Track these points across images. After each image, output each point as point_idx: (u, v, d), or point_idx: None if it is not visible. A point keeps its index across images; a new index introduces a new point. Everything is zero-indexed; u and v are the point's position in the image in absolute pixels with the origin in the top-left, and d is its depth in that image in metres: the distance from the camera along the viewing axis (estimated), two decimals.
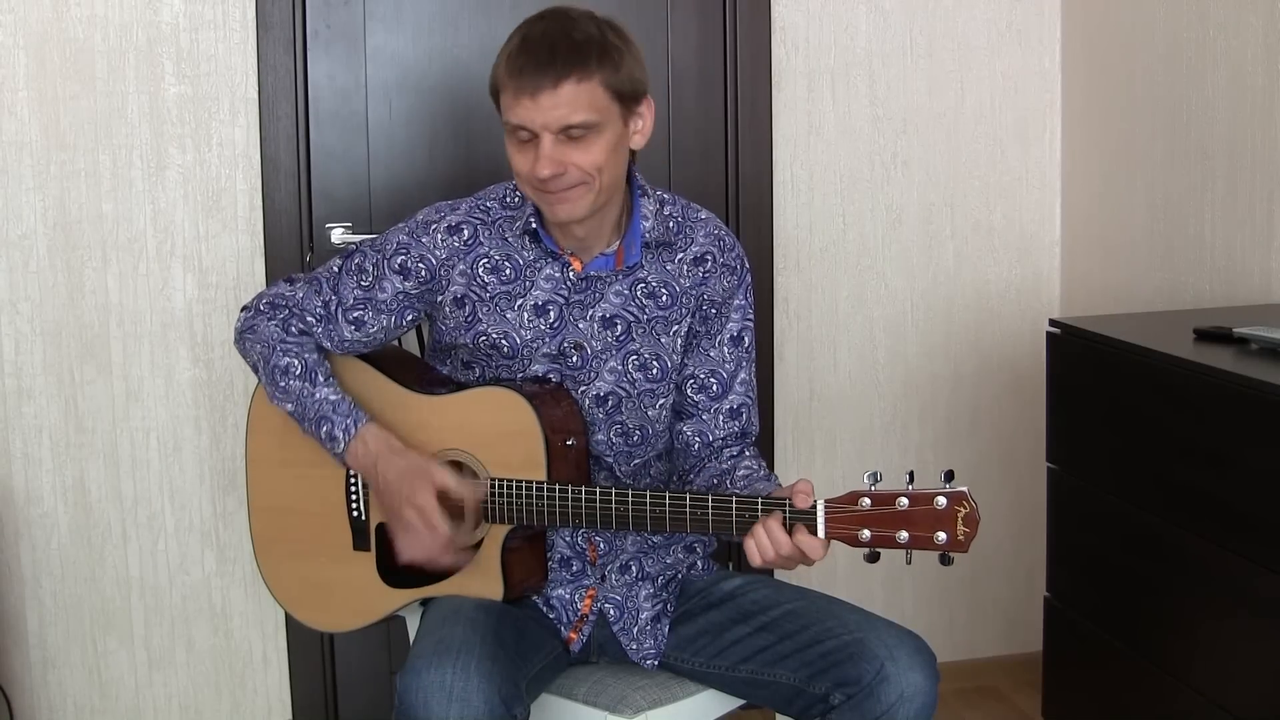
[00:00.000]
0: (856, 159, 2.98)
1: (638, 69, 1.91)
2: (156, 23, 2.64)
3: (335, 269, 2.05)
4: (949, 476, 1.73)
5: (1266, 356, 2.01)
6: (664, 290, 2.01)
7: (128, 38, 2.64)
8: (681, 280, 2.02)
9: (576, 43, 1.84)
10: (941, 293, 3.06)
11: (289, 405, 2.01)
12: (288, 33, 2.68)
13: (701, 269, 2.03)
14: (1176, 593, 2.09)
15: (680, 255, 2.03)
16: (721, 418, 2.06)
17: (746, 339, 2.07)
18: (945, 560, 1.73)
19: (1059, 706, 2.46)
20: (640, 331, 2.01)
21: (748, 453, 2.07)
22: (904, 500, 1.72)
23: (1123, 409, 2.19)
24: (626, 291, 2.00)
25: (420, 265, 2.00)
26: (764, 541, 1.78)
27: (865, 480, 1.75)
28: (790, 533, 1.76)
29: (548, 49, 1.83)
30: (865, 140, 2.98)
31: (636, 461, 2.05)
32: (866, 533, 1.73)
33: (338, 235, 2.75)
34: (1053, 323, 2.38)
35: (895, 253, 3.03)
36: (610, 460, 2.04)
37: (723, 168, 2.92)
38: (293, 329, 2.04)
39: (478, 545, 1.96)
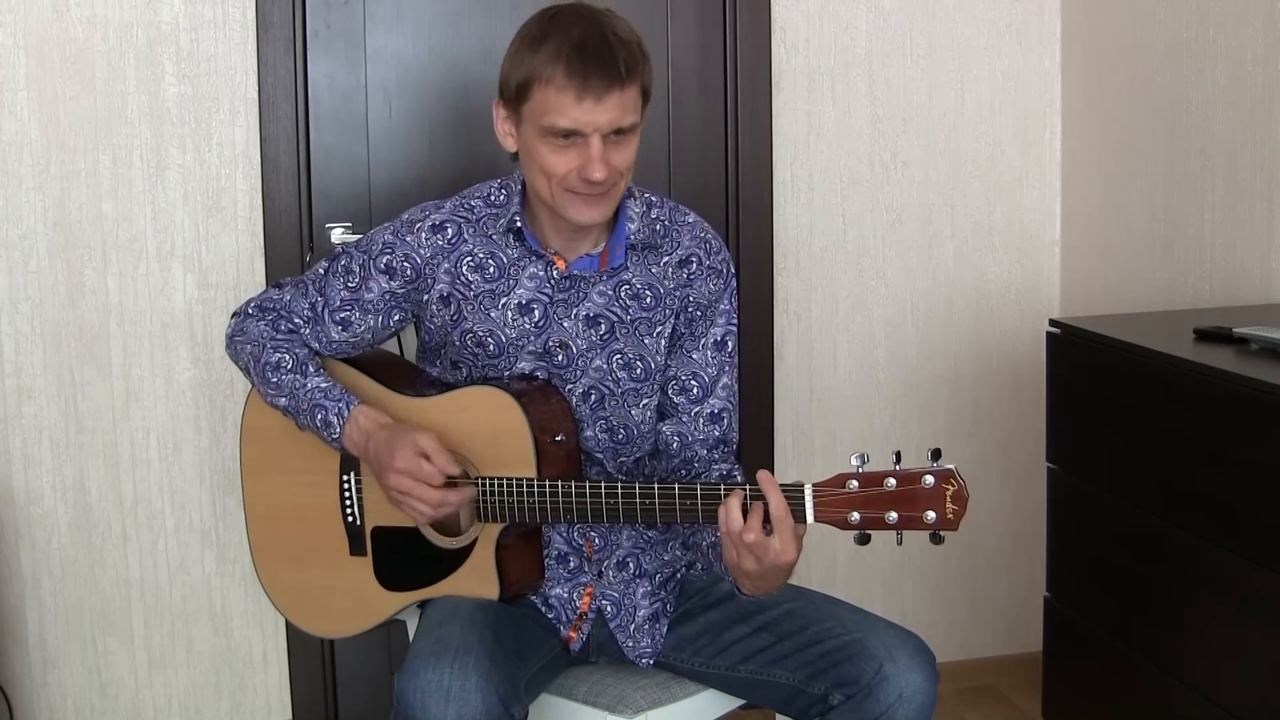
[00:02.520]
0: (856, 159, 2.98)
1: None
2: (156, 23, 2.64)
3: (321, 271, 2.05)
4: (935, 455, 1.71)
5: (1266, 356, 2.01)
6: (648, 292, 2.01)
7: (128, 38, 2.64)
8: (666, 283, 2.01)
9: (628, 44, 1.84)
10: (941, 293, 3.06)
11: (283, 400, 2.00)
12: (288, 33, 2.68)
13: (686, 271, 2.03)
14: (1176, 593, 2.09)
15: (665, 259, 2.02)
16: (701, 421, 2.05)
17: (730, 344, 2.06)
18: (936, 539, 1.72)
19: (1059, 706, 2.46)
20: (624, 331, 2.01)
21: (727, 461, 2.06)
22: (892, 481, 1.71)
23: (1122, 409, 2.18)
24: (610, 292, 2.00)
25: (406, 264, 1.99)
26: (732, 516, 1.75)
27: (853, 462, 1.73)
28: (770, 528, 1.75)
29: (608, 50, 1.82)
30: (865, 140, 2.97)
31: (623, 459, 2.05)
32: (855, 515, 1.72)
33: (338, 235, 2.75)
34: (1053, 323, 2.38)
35: (895, 253, 3.02)
36: (600, 457, 2.04)
37: (723, 168, 2.92)
38: (281, 328, 2.04)
39: (472, 545, 1.96)
